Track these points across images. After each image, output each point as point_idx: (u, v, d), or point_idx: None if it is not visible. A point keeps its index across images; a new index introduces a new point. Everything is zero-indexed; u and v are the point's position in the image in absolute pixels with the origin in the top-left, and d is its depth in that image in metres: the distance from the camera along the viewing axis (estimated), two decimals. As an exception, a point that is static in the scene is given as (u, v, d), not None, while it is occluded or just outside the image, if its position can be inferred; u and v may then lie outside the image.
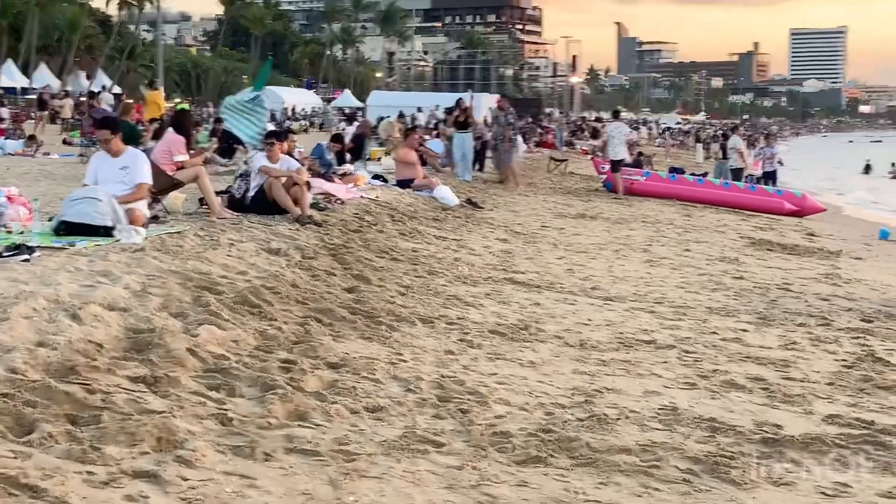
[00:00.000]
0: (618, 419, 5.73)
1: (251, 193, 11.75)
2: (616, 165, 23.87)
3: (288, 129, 16.62)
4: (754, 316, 9.53)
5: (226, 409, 5.14)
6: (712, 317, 9.32)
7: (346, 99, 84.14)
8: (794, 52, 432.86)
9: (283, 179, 11.63)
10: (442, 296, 9.00)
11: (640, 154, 33.23)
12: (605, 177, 25.19)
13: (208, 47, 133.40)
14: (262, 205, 11.65)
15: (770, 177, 26.08)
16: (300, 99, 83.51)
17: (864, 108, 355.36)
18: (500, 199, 19.55)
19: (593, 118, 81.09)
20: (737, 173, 25.59)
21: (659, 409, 6.04)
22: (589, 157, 39.00)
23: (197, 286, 7.49)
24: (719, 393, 6.53)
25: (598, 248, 13.80)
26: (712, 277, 11.93)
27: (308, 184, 13.20)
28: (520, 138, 36.59)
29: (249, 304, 7.24)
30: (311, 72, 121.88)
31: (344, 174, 15.45)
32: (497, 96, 24.96)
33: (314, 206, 12.63)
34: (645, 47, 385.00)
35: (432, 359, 6.73)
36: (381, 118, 53.41)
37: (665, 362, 7.29)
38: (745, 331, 8.72)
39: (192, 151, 12.42)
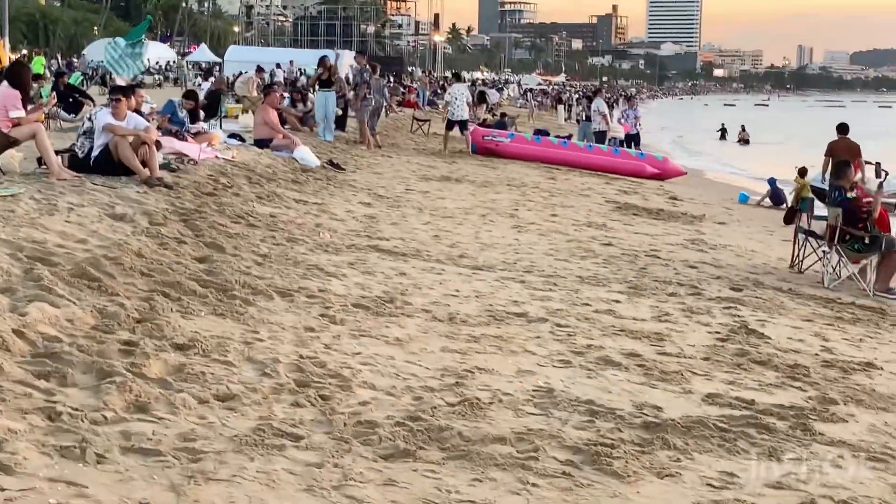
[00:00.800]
0: (491, 403, 5.34)
1: (95, 153, 10.89)
2: (459, 125, 24.31)
3: (136, 83, 15.66)
4: (625, 285, 9.29)
5: (55, 402, 4.54)
6: (583, 286, 9.03)
7: (203, 53, 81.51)
8: (651, 16, 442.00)
9: (130, 138, 10.84)
10: (302, 265, 8.45)
11: (504, 115, 33.01)
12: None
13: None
14: (108, 165, 10.83)
15: (633, 139, 26.17)
16: (154, 52, 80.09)
17: (718, 72, 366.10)
18: (363, 160, 18.97)
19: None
20: (600, 136, 25.56)
21: (534, 390, 5.68)
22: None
23: (29, 257, 6.77)
24: (595, 371, 6.21)
25: (465, 213, 13.41)
26: (581, 244, 11.69)
27: (158, 143, 12.41)
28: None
29: (88, 277, 6.56)
30: (166, 25, 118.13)
31: (197, 133, 14.63)
32: (365, 54, 24.22)
33: (164, 166, 11.85)
34: (506, 7, 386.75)
35: (291, 337, 6.21)
36: (240, 74, 52.17)
37: (538, 337, 6.94)
38: (617, 301, 8.46)
39: (30, 107, 11.49)
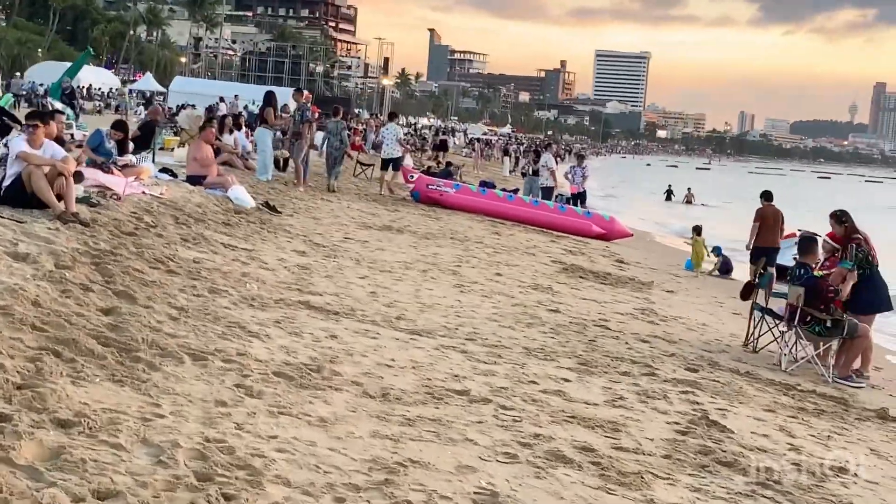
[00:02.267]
0: (425, 510, 4.56)
1: (6, 183, 9.97)
2: (390, 164, 24.19)
3: (54, 109, 14.70)
4: (575, 360, 8.56)
5: None
6: (530, 360, 8.29)
7: (147, 83, 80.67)
8: (598, 74, 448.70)
9: (46, 169, 9.94)
10: (222, 322, 7.61)
11: (450, 164, 32.40)
12: (412, 186, 24.20)
13: (3, 17, 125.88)
14: (19, 197, 9.91)
15: (580, 197, 25.68)
16: (97, 78, 79.51)
17: (661, 133, 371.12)
18: (301, 203, 18.16)
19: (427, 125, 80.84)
20: (547, 192, 25.01)
21: (475, 493, 4.91)
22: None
23: None
24: (545, 469, 5.45)
25: (405, 268, 12.65)
26: (527, 309, 10.96)
27: (79, 174, 11.54)
28: (319, 136, 35.22)
29: (-33, 329, 5.69)
30: (111, 51, 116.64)
31: (125, 166, 13.73)
32: (303, 91, 23.48)
33: (84, 200, 10.96)
34: (456, 56, 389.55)
35: (198, 413, 5.37)
36: (183, 105, 51.21)
37: (480, 422, 6.17)
38: (566, 380, 7.73)
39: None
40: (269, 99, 20.83)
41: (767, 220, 17.45)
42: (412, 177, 24.83)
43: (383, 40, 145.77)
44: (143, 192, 13.09)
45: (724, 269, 19.92)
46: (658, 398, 7.62)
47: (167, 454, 4.62)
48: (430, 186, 23.64)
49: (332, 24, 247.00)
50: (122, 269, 8.41)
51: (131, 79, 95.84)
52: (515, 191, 26.71)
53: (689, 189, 53.84)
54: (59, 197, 9.91)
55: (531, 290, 12.61)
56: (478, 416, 6.31)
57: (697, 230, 21.03)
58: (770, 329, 10.95)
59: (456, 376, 7.27)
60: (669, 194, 53.68)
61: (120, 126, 14.33)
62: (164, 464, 4.52)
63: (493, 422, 6.24)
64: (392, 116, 30.23)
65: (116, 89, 75.98)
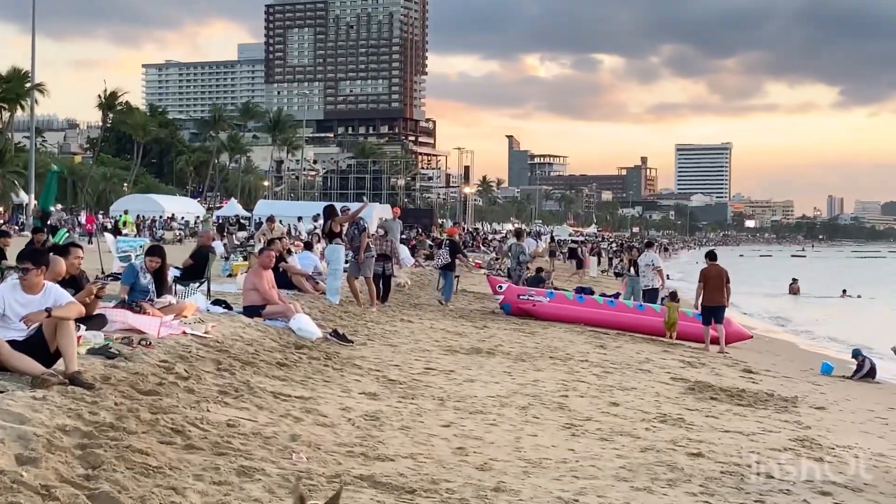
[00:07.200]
0: None
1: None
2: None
3: (70, 242, 12.67)
4: (748, 543, 6.08)
5: None
6: (686, 550, 5.84)
7: (232, 208, 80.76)
8: (680, 167, 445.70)
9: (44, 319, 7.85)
10: (244, 529, 5.32)
11: (541, 269, 30.06)
12: (501, 297, 21.96)
13: (91, 154, 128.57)
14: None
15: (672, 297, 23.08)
16: (180, 207, 79.77)
17: (749, 223, 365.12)
18: (377, 327, 15.98)
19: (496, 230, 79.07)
20: (651, 294, 22.36)
21: None
22: (483, 272, 35.89)
23: None
24: None
25: (500, 405, 10.25)
26: (660, 455, 8.47)
27: (102, 318, 9.58)
28: (406, 250, 33.31)
29: None
30: (196, 180, 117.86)
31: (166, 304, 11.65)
32: (387, 206, 21.51)
33: (100, 351, 8.90)
34: (536, 160, 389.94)
35: None
36: (259, 223, 50.08)
37: None
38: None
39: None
40: (329, 213, 18.90)
41: (711, 280, 18.89)
42: (500, 287, 22.64)
43: (463, 150, 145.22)
44: (184, 333, 11.01)
45: (870, 373, 17.15)
46: None
47: None
48: (520, 297, 21.39)
49: (412, 138, 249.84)
50: (119, 452, 6.18)
51: (217, 206, 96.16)
52: (616, 295, 24.25)
53: (794, 280, 50.78)
54: (57, 354, 7.83)
55: (659, 423, 10.10)
56: None
57: (673, 296, 20.86)
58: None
59: None
60: (794, 287, 50.40)
61: (156, 251, 12.17)
62: None
63: None
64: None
65: (201, 217, 75.68)
